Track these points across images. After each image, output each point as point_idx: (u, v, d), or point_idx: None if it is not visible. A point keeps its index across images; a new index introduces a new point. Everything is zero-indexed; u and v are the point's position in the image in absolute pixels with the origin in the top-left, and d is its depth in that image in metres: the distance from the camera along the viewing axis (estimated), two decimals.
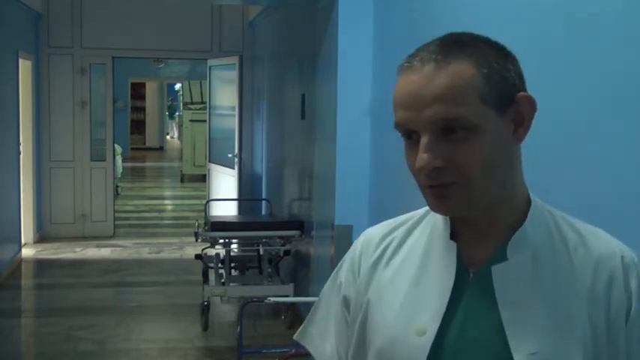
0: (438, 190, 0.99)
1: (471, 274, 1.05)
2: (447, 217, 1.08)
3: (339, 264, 1.22)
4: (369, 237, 1.18)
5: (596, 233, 1.06)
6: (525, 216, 1.05)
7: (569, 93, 1.99)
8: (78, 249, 8.18)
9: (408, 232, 1.14)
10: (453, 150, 0.97)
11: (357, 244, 1.19)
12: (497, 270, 1.02)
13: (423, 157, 0.97)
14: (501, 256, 1.03)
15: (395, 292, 1.09)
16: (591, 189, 1.88)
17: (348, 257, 1.20)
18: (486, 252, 1.05)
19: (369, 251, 1.16)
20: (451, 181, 0.98)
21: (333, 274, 1.22)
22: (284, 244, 5.65)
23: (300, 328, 1.27)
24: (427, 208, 1.12)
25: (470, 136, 0.96)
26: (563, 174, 2.01)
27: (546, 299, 1.01)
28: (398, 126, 1.01)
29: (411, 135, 1.00)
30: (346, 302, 1.16)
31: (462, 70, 0.96)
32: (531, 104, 1.01)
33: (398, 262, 1.12)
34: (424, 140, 0.97)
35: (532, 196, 1.07)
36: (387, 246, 1.14)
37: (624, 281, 1.01)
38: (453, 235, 1.07)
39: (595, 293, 1.01)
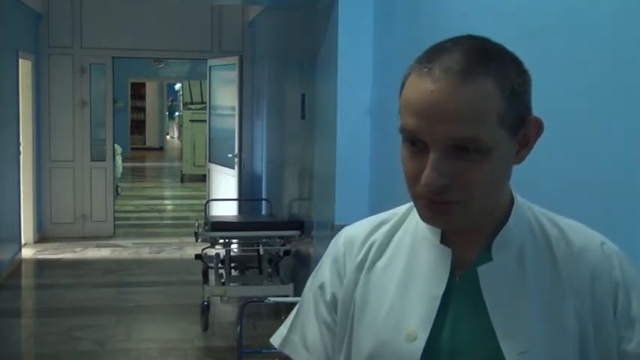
0: (437, 206, 0.97)
1: (458, 277, 1.04)
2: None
3: (317, 266, 1.18)
4: (351, 236, 1.14)
5: (575, 227, 1.06)
6: (508, 215, 1.04)
7: (569, 92, 1.98)
8: (78, 249, 8.18)
9: (392, 233, 1.12)
10: (462, 170, 0.94)
11: (339, 243, 1.15)
12: (483, 271, 1.02)
13: (431, 174, 0.94)
14: (487, 257, 1.03)
15: (382, 295, 1.07)
16: (591, 188, 1.88)
17: (329, 257, 1.16)
18: (472, 253, 1.04)
19: (352, 251, 1.12)
20: (454, 199, 0.95)
21: (310, 278, 1.19)
22: (284, 244, 5.65)
23: (280, 335, 1.20)
24: (408, 205, 1.12)
25: (481, 158, 0.94)
26: (563, 173, 2.01)
27: (533, 297, 1.01)
28: (405, 132, 0.97)
29: (415, 142, 0.96)
30: (334, 302, 1.13)
31: (486, 89, 0.92)
32: (539, 128, 1.00)
33: (383, 263, 1.10)
34: (434, 156, 0.94)
35: (514, 193, 1.06)
36: (371, 246, 1.12)
37: (608, 272, 1.01)
38: (442, 239, 1.06)
39: (579, 287, 1.01)
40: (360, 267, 1.11)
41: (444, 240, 1.05)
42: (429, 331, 1.01)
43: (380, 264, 1.10)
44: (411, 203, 1.07)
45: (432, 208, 0.97)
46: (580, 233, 1.05)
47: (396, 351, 1.03)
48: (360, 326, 1.08)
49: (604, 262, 1.01)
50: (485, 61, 0.94)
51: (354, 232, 1.15)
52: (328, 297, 1.13)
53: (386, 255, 1.10)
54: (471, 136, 0.92)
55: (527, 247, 1.03)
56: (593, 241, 1.04)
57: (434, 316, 1.02)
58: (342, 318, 1.11)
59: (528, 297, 1.01)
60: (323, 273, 1.16)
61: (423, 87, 0.93)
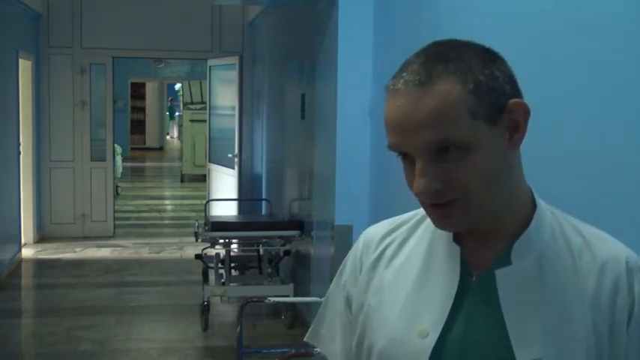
0: (441, 210, 0.98)
1: (474, 277, 1.04)
2: None
3: (343, 262, 1.21)
4: (370, 236, 1.17)
5: (600, 237, 1.05)
6: (530, 219, 1.03)
7: (569, 93, 1.98)
8: (78, 249, 8.18)
9: (410, 232, 1.13)
10: (450, 170, 0.95)
11: (359, 242, 1.18)
12: (501, 274, 1.01)
13: (420, 182, 0.96)
14: (505, 260, 1.02)
15: (397, 293, 1.08)
16: (593, 189, 1.88)
17: (351, 256, 1.19)
18: (490, 255, 1.04)
19: (369, 250, 1.15)
20: (451, 199, 0.97)
21: (337, 273, 1.22)
22: (284, 244, 5.65)
23: (310, 328, 1.25)
24: None
25: (465, 154, 0.95)
26: (564, 173, 2.01)
27: (550, 304, 1.00)
28: (391, 148, 1.00)
29: (406, 155, 0.99)
30: (348, 301, 1.16)
31: (447, 90, 0.94)
32: (524, 110, 0.99)
33: (399, 262, 1.11)
34: (419, 165, 0.96)
35: (537, 198, 1.06)
36: (388, 246, 1.13)
37: (628, 286, 1.00)
38: (457, 238, 1.06)
39: (599, 299, 0.99)
40: (374, 265, 1.13)
41: (461, 238, 1.06)
42: (440, 329, 1.02)
43: (396, 262, 1.11)
44: None
45: (437, 212, 0.99)
46: (605, 244, 1.03)
47: (406, 348, 1.03)
48: (373, 322, 1.09)
49: (626, 276, 1.00)
50: (443, 63, 0.96)
51: (374, 232, 1.17)
52: (345, 294, 1.17)
53: (403, 253, 1.12)
54: (444, 138, 0.94)
55: (548, 254, 1.02)
56: (617, 253, 1.02)
57: (447, 314, 1.02)
58: (355, 315, 1.14)
59: (546, 304, 1.00)
60: (344, 271, 1.20)
61: (391, 104, 0.98)
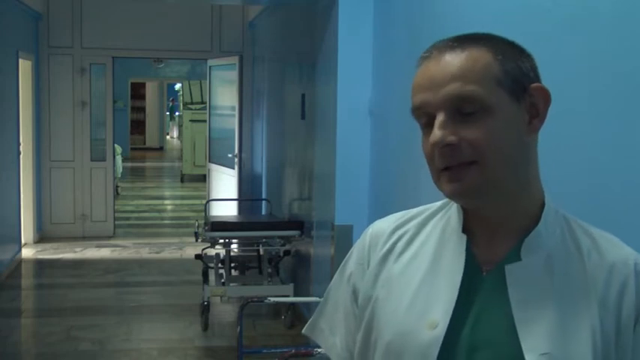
0: (453, 173, 1.00)
1: (485, 273, 1.05)
2: (460, 212, 1.09)
3: (347, 257, 1.22)
4: (378, 230, 1.18)
5: (608, 239, 1.07)
6: (539, 218, 1.05)
7: (569, 93, 1.98)
8: (78, 249, 8.18)
9: (420, 226, 1.15)
10: (468, 128, 0.99)
11: (366, 236, 1.19)
12: (510, 270, 1.03)
13: (436, 133, 0.99)
14: (515, 257, 1.04)
15: (406, 286, 1.09)
16: (593, 189, 1.88)
17: (355, 249, 1.20)
18: (500, 252, 1.06)
19: (378, 244, 1.16)
20: (466, 160, 0.99)
21: (340, 267, 1.22)
22: (284, 244, 5.65)
23: (309, 321, 1.26)
24: (441, 202, 1.14)
25: (484, 116, 0.98)
26: (564, 173, 2.01)
27: (558, 301, 1.01)
28: (415, 110, 1.04)
29: (427, 122, 1.02)
30: (355, 294, 1.16)
31: (478, 54, 1.00)
32: (545, 95, 1.03)
33: (409, 256, 1.12)
34: (439, 118, 1.00)
35: (547, 200, 1.08)
36: (398, 239, 1.14)
37: (636, 288, 1.02)
38: (468, 234, 1.08)
39: (607, 299, 1.01)
40: (383, 260, 1.14)
41: (470, 234, 1.08)
42: (449, 319, 1.03)
43: (406, 255, 1.12)
44: (445, 200, 1.12)
45: (449, 177, 1.01)
46: (613, 246, 1.06)
47: (416, 339, 1.04)
48: (381, 315, 1.10)
49: (634, 279, 1.02)
50: (475, 38, 1.04)
51: (382, 226, 1.18)
52: (351, 288, 1.18)
53: (413, 247, 1.13)
54: (469, 93, 0.98)
55: (557, 252, 1.04)
56: (626, 256, 1.04)
57: (453, 304, 1.03)
58: (362, 308, 1.14)
59: (554, 301, 1.01)
60: (349, 264, 1.20)
61: (423, 69, 1.04)
